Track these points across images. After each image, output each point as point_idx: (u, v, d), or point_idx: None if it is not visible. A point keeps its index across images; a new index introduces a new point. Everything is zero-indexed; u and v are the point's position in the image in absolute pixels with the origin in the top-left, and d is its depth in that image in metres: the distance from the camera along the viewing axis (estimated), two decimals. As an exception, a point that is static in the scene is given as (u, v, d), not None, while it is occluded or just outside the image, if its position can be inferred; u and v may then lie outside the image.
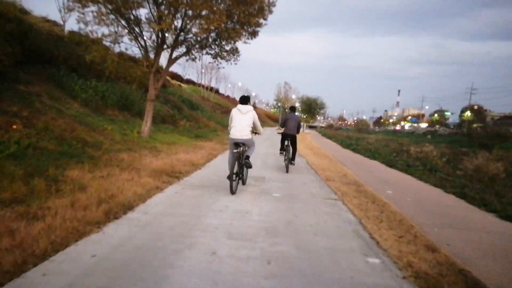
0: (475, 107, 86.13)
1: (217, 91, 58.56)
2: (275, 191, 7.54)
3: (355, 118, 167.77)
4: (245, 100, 6.91)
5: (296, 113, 11.36)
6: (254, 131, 7.17)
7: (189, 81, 41.03)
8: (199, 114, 21.34)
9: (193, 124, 18.96)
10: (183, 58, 14.42)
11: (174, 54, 13.91)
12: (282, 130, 10.62)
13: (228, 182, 6.61)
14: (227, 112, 30.68)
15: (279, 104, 68.94)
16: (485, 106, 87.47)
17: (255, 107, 66.62)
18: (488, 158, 19.15)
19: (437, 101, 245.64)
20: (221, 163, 10.25)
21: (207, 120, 21.01)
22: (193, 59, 14.25)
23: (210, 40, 13.66)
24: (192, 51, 13.91)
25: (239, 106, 6.79)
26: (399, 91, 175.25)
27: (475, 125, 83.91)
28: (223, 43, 13.65)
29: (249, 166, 6.77)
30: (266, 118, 77.87)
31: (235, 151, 6.51)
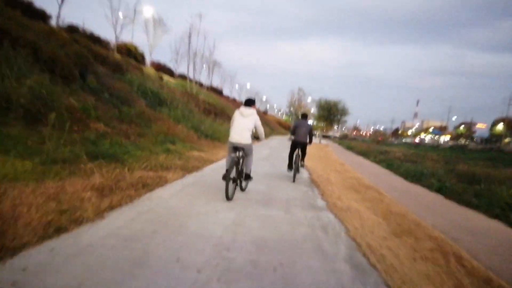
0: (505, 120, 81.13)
1: (220, 92, 55.29)
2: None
3: (372, 128, 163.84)
4: (249, 102, 6.88)
5: (309, 121, 11.17)
6: (256, 135, 7.02)
7: (182, 76, 38.06)
8: (163, 114, 15.10)
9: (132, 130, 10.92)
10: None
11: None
12: (292, 137, 10.36)
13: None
14: (224, 116, 26.89)
15: (292, 109, 65.11)
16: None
17: (265, 113, 62.84)
18: None
19: (461, 112, 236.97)
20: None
21: (175, 125, 14.21)
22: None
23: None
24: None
25: (242, 108, 6.74)
26: (417, 101, 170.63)
27: (507, 139, 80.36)
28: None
29: (250, 179, 7.07)
30: (277, 126, 74.60)
31: (233, 155, 6.47)
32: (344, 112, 46.76)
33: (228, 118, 28.61)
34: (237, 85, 75.96)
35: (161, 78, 29.39)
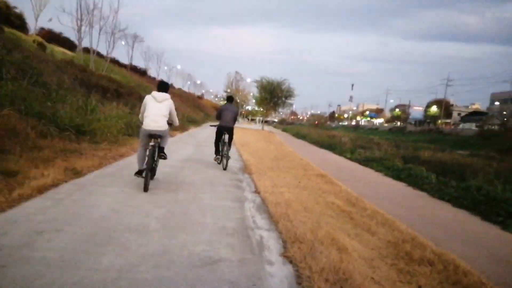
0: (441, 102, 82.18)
1: (144, 72, 47.77)
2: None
3: (309, 113, 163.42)
4: (163, 86, 6.55)
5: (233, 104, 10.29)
6: (169, 122, 6.47)
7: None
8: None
9: None
10: None
11: None
12: (217, 122, 9.65)
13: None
14: (134, 97, 20.26)
15: (229, 93, 59.12)
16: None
17: (200, 98, 56.76)
18: None
19: (393, 96, 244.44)
20: None
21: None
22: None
23: None
24: None
25: (154, 93, 6.34)
26: (352, 85, 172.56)
27: (440, 121, 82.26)
28: None
29: (165, 158, 6.50)
30: (213, 111, 68.46)
31: (151, 144, 6.00)
32: (289, 93, 40.24)
33: (139, 100, 21.92)
34: (166, 67, 68.09)
35: (40, 47, 21.83)
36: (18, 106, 9.47)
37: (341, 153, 16.48)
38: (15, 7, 25.53)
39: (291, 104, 42.46)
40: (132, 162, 8.52)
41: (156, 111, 6.14)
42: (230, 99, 10.33)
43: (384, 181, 10.35)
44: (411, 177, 10.14)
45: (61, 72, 15.99)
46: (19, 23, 25.05)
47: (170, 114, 6.38)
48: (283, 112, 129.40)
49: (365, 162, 13.47)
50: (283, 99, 39.86)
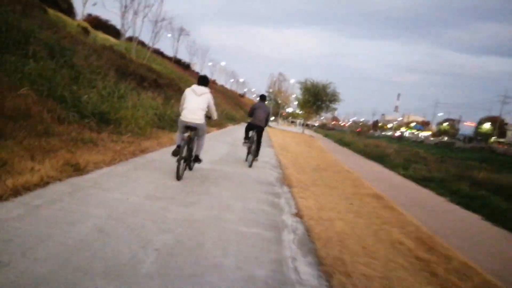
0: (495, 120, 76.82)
1: (187, 66, 47.23)
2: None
3: (350, 120, 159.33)
4: (203, 80, 6.55)
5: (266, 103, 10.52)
6: (208, 115, 6.58)
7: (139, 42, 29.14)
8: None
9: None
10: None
11: None
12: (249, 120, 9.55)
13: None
14: (172, 89, 19.36)
15: (270, 93, 57.83)
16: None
17: (242, 96, 56.11)
18: None
19: (442, 110, 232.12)
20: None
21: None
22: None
23: None
24: None
25: (194, 86, 6.44)
26: (398, 95, 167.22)
27: (492, 139, 76.98)
28: None
29: (200, 162, 6.69)
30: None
31: (185, 134, 6.15)
32: (334, 97, 37.73)
33: (177, 92, 20.92)
34: (210, 62, 67.72)
35: (85, 31, 21.33)
36: (39, 87, 8.56)
37: (392, 167, 14.65)
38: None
39: (335, 109, 40.19)
40: (153, 159, 7.29)
41: (194, 104, 6.26)
42: (263, 97, 10.21)
43: (454, 211, 8.52)
44: (487, 208, 8.26)
45: (97, 56, 15.22)
46: (66, 7, 24.82)
47: (208, 107, 6.46)
48: (324, 117, 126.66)
49: (423, 181, 11.62)
50: (327, 103, 37.75)
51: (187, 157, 6.35)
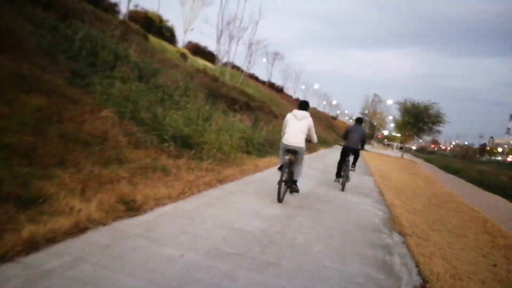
0: None
1: (281, 90, 46.68)
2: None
3: (453, 143, 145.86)
4: (304, 105, 6.77)
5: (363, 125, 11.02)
6: (308, 139, 6.68)
7: (233, 67, 29.07)
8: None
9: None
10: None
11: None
12: (343, 143, 9.48)
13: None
14: (263, 112, 18.51)
15: (366, 117, 54.94)
16: None
17: (335, 119, 54.28)
18: None
19: None
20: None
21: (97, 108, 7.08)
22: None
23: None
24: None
25: (295, 111, 6.60)
26: (511, 115, 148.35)
27: None
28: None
29: (296, 191, 6.64)
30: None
31: (286, 157, 6.19)
32: (438, 119, 33.53)
33: (268, 115, 19.96)
34: (303, 86, 66.90)
35: (183, 57, 21.66)
36: (122, 108, 8.03)
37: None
38: (167, 21, 26.54)
39: (439, 132, 35.71)
40: (231, 192, 6.09)
41: (296, 128, 6.38)
42: (359, 120, 10.03)
43: None
44: None
45: (190, 78, 14.93)
46: (169, 35, 25.82)
47: (308, 131, 6.54)
48: (423, 140, 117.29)
49: None
50: (430, 124, 33.95)
51: (288, 180, 6.39)
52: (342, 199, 7.49)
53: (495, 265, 4.58)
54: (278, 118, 20.59)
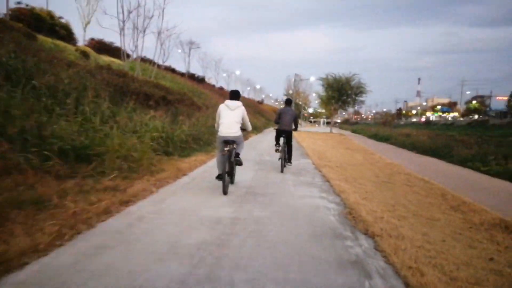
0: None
1: (202, 80, 44.73)
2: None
3: (373, 111, 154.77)
4: (235, 95, 6.75)
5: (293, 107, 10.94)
6: (243, 127, 6.69)
7: (145, 60, 26.44)
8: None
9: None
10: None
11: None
12: (276, 126, 9.44)
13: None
14: (185, 104, 17.02)
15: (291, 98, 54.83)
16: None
17: (260, 103, 53.75)
18: None
19: (472, 87, 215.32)
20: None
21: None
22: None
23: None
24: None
25: (228, 102, 6.55)
26: (419, 79, 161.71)
27: None
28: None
29: (240, 164, 6.66)
30: (274, 115, 64.74)
31: (225, 149, 6.10)
32: (360, 89, 33.96)
33: (191, 107, 18.21)
34: (224, 74, 65.23)
35: (84, 55, 19.09)
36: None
37: (462, 162, 11.44)
38: (60, 17, 23.24)
39: (363, 102, 36.33)
40: (141, 217, 4.44)
41: (230, 118, 6.37)
42: (288, 102, 10.15)
43: None
44: None
45: (91, 77, 12.70)
46: (65, 33, 22.68)
47: (243, 120, 6.57)
48: (346, 112, 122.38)
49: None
50: (353, 96, 34.40)
51: (230, 171, 6.41)
52: (286, 194, 6.23)
53: (491, 259, 3.56)
54: (201, 110, 18.95)
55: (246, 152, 12.37)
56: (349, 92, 33.63)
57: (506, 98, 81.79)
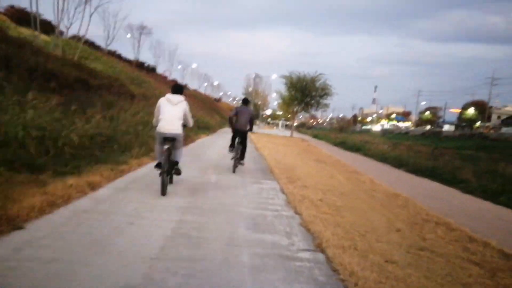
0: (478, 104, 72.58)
1: (152, 69, 40.15)
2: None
3: (329, 116, 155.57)
4: (177, 89, 6.28)
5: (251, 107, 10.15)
6: (184, 124, 6.20)
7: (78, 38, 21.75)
8: None
9: None
10: None
11: None
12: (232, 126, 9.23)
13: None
14: (117, 92, 13.14)
15: (249, 98, 51.35)
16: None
17: (218, 101, 49.86)
18: None
19: (426, 97, 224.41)
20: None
21: None
22: None
23: None
24: None
25: (169, 95, 6.06)
26: (375, 87, 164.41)
27: (478, 124, 72.75)
28: None
29: (179, 173, 6.25)
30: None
31: (165, 147, 5.69)
32: (326, 91, 30.64)
33: (122, 96, 14.08)
34: (179, 66, 60.61)
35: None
36: None
37: (451, 182, 8.61)
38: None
39: (327, 105, 33.20)
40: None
41: (171, 114, 5.91)
42: (245, 101, 9.71)
43: None
44: None
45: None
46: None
47: (185, 116, 6.12)
48: (302, 115, 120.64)
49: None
50: (318, 98, 31.45)
51: (170, 170, 5.98)
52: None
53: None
54: (137, 100, 14.87)
55: (190, 163, 8.62)
56: (314, 93, 30.47)
57: (459, 110, 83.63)
